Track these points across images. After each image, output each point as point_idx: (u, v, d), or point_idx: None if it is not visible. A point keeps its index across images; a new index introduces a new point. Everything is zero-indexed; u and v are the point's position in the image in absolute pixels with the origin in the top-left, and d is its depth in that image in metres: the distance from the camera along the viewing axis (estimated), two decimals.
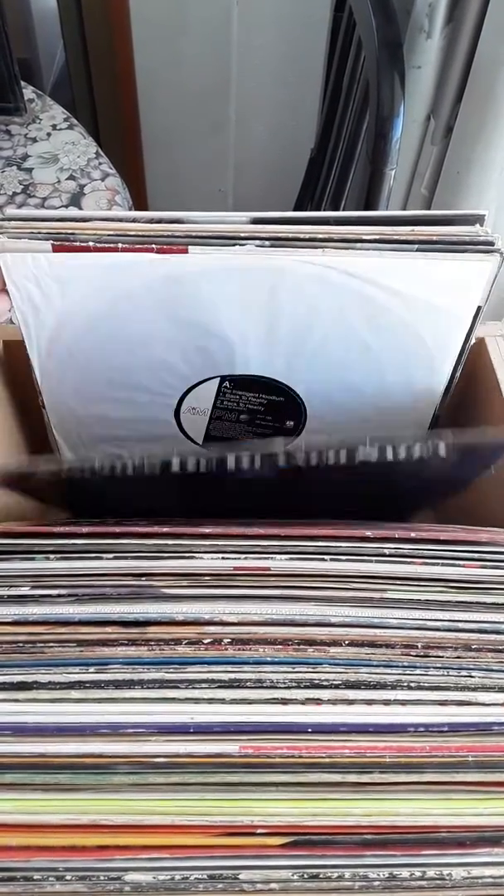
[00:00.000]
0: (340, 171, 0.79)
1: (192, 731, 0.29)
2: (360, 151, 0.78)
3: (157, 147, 1.31)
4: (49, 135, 0.93)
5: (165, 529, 0.33)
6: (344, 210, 0.82)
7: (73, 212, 0.41)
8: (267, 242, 0.40)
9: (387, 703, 0.30)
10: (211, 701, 0.30)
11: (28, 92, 0.99)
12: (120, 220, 0.41)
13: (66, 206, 0.84)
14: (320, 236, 0.40)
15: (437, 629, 0.31)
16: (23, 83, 0.97)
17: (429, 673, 0.31)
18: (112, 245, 0.40)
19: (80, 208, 0.84)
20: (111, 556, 0.33)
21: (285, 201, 1.07)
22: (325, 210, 0.88)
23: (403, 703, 0.30)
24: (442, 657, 0.31)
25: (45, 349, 0.46)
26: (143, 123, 1.29)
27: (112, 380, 0.47)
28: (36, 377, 0.48)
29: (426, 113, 0.81)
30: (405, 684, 0.30)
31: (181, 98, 1.24)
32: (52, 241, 0.39)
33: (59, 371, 0.47)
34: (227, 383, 0.48)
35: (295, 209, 1.02)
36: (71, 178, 0.87)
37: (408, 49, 0.78)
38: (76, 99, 1.34)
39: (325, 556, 0.33)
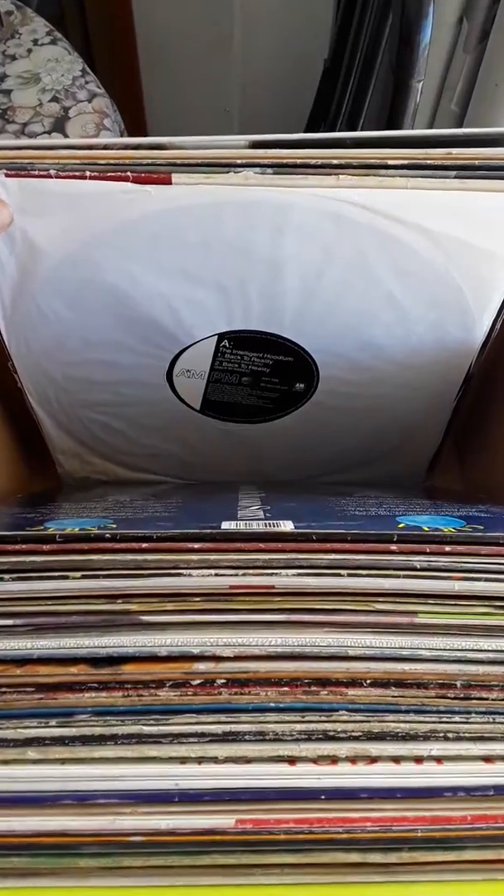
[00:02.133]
0: (358, 85, 0.69)
1: (176, 800, 0.23)
2: (380, 61, 0.68)
3: (155, 64, 1.20)
4: (30, 51, 0.83)
5: (145, 545, 0.27)
6: (363, 129, 0.72)
7: (32, 140, 0.34)
8: (269, 170, 0.32)
9: (419, 759, 0.24)
10: (201, 760, 0.24)
11: (6, 3, 0.88)
12: (90, 147, 0.34)
13: (49, 133, 0.75)
14: (335, 162, 0.32)
15: (481, 662, 0.25)
16: None
17: (470, 720, 0.25)
18: (79, 173, 0.32)
19: (65, 133, 0.75)
20: (79, 574, 0.27)
21: (297, 121, 0.97)
22: (340, 129, 0.78)
23: (439, 759, 0.24)
24: (486, 699, 0.25)
25: (9, 302, 0.39)
26: (140, 38, 1.18)
27: (89, 339, 0.40)
28: (3, 337, 0.41)
29: (458, 14, 0.71)
30: (441, 735, 0.25)
31: (181, 9, 1.13)
32: (4, 171, 0.32)
33: (27, 329, 0.40)
34: (225, 342, 0.41)
35: (307, 129, 0.92)
36: (54, 99, 0.78)
37: None
38: (65, 11, 1.22)
39: (342, 571, 0.27)
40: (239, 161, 0.32)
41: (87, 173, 0.32)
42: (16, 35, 0.84)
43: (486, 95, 0.69)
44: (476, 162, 0.32)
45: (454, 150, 0.33)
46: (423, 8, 0.59)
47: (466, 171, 0.32)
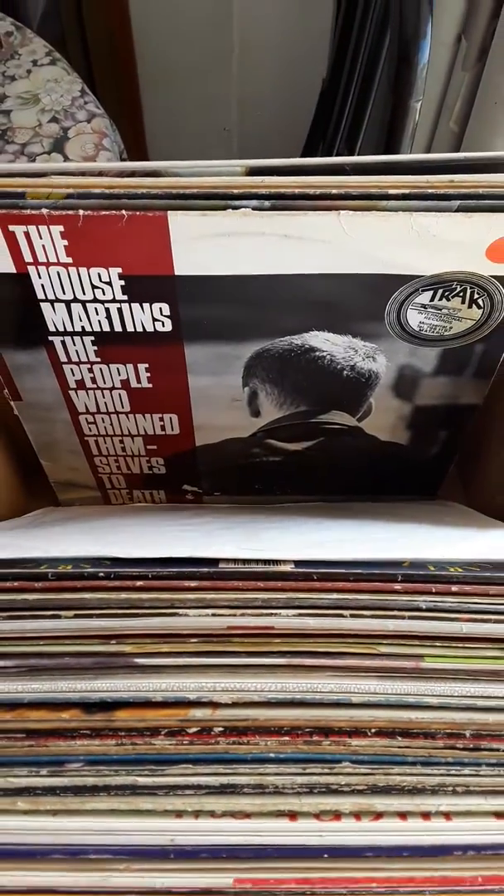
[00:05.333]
0: (356, 105, 0.69)
1: (172, 856, 0.22)
2: (378, 80, 0.68)
3: (155, 83, 1.20)
4: (29, 72, 0.82)
5: (140, 583, 0.26)
6: (361, 150, 0.72)
7: (26, 165, 0.33)
8: (267, 203, 0.31)
9: (426, 815, 0.23)
10: (197, 814, 0.23)
11: (6, 24, 0.88)
12: (83, 173, 0.33)
13: (49, 153, 0.74)
14: (334, 192, 0.31)
15: (491, 710, 0.24)
16: (0, 14, 0.87)
17: (481, 772, 0.24)
18: (72, 213, 0.31)
19: (64, 154, 0.74)
20: (72, 614, 0.26)
21: (296, 140, 0.97)
22: (338, 149, 0.78)
23: (448, 815, 0.23)
24: (498, 750, 0.24)
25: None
26: (139, 56, 1.18)
27: None
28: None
29: (457, 33, 0.70)
30: (450, 789, 0.24)
31: (179, 27, 1.13)
32: None
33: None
34: None
35: (305, 149, 0.92)
36: (53, 120, 0.78)
37: None
38: (65, 32, 1.22)
39: (344, 612, 0.26)
40: (236, 191, 0.32)
41: (81, 212, 0.31)
42: (15, 56, 0.84)
43: (486, 114, 0.69)
44: (480, 191, 0.31)
45: (456, 178, 0.32)
46: (422, 27, 0.59)
47: (470, 199, 0.31)
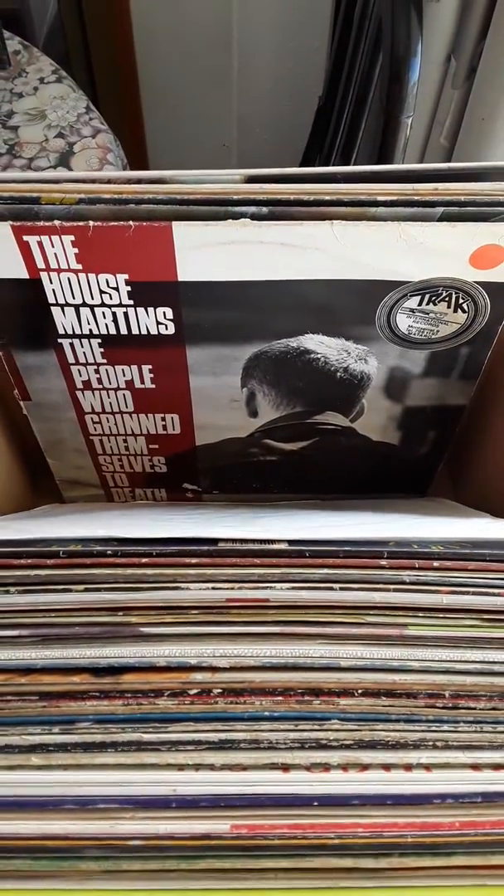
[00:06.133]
0: (351, 121, 0.72)
1: (174, 805, 0.24)
2: (372, 98, 0.71)
3: (156, 100, 1.23)
4: (36, 89, 0.86)
5: (145, 560, 0.28)
6: (355, 164, 0.75)
7: (39, 173, 0.35)
8: (265, 209, 0.34)
9: (408, 767, 0.25)
10: (198, 767, 0.25)
11: (14, 43, 0.91)
12: (94, 181, 0.35)
13: (55, 167, 0.77)
14: (327, 198, 0.34)
15: (468, 673, 0.26)
16: (8, 34, 0.90)
17: (458, 729, 0.26)
18: (82, 224, 0.34)
19: (70, 168, 0.77)
20: (82, 588, 0.28)
21: (293, 156, 1.00)
22: (334, 164, 0.81)
23: (428, 767, 0.25)
24: (474, 709, 0.26)
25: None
26: (142, 75, 1.21)
27: None
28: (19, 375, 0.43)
29: (446, 53, 0.73)
30: (430, 744, 0.25)
31: (180, 47, 1.16)
32: (10, 223, 0.34)
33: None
34: None
35: (302, 164, 0.95)
36: (59, 135, 0.81)
37: None
38: (70, 50, 1.26)
39: (334, 585, 0.28)
40: (235, 197, 0.34)
41: (91, 223, 0.33)
42: (23, 73, 0.87)
43: (474, 130, 0.72)
44: (462, 198, 0.33)
45: (440, 186, 0.34)
46: (412, 47, 0.61)
47: (453, 206, 0.34)
